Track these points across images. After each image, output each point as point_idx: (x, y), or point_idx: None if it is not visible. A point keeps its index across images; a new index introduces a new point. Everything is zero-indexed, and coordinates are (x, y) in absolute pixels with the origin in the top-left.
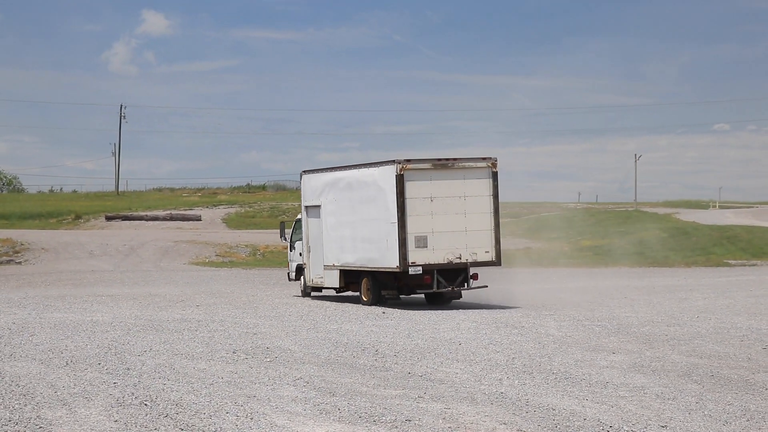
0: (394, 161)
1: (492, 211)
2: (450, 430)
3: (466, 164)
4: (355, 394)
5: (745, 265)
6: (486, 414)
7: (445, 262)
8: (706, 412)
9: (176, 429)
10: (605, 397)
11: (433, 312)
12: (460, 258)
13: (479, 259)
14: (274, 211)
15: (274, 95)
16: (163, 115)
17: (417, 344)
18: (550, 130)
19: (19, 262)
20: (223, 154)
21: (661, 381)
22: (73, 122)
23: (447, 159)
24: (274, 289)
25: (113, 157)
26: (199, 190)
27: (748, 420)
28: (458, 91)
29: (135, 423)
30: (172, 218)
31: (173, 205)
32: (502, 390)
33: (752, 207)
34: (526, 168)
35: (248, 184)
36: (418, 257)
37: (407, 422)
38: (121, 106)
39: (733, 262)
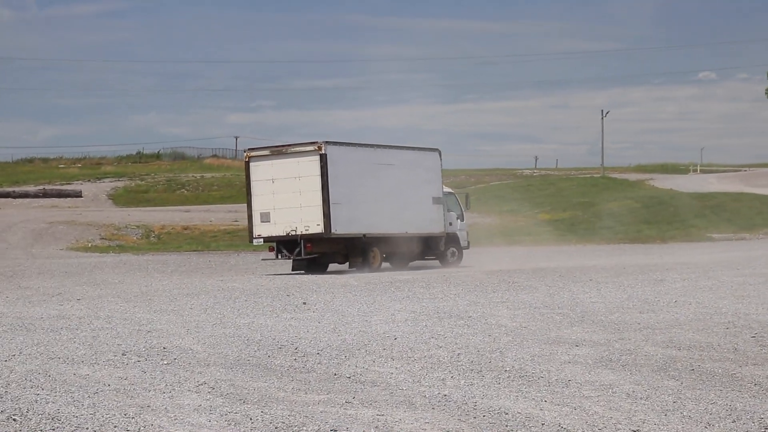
0: (244, 150)
1: (321, 188)
2: None
3: (298, 149)
4: (271, 400)
5: (731, 240)
6: (426, 421)
7: (284, 234)
8: (684, 413)
9: None
10: (567, 398)
11: (363, 302)
12: (296, 231)
13: (311, 231)
14: (172, 184)
15: (171, 45)
16: (35, 69)
17: (344, 340)
18: (503, 83)
19: None
20: (110, 117)
21: (633, 377)
22: None
23: (282, 146)
24: (172, 277)
25: None
26: (79, 160)
27: (733, 421)
28: (393, 38)
29: None
30: (45, 194)
31: (47, 178)
32: (446, 392)
33: (739, 170)
34: (475, 128)
35: (139, 152)
36: (263, 230)
37: None
38: None
39: (717, 236)
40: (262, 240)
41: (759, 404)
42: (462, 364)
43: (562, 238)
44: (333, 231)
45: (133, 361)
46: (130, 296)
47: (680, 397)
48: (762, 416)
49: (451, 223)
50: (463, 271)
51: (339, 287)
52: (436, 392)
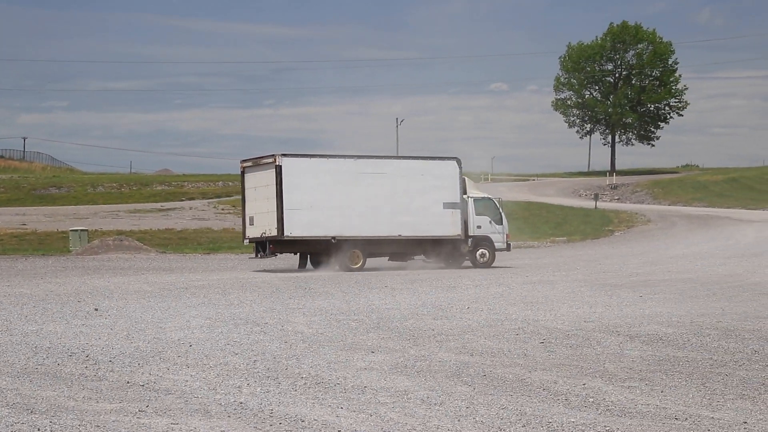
0: (241, 161)
1: (276, 196)
2: None
3: (266, 161)
4: (60, 409)
5: (520, 248)
6: (222, 429)
7: (259, 236)
8: (477, 418)
9: None
10: (363, 404)
11: (157, 308)
12: (265, 233)
13: (271, 234)
14: None
15: None
16: None
17: (137, 347)
18: (301, 88)
19: None
20: None
21: (427, 383)
22: None
23: (259, 158)
24: None
25: None
26: None
27: (524, 426)
28: (190, 41)
29: None
30: None
31: None
32: (242, 399)
33: (528, 180)
34: (273, 134)
35: None
36: (250, 233)
37: None
38: None
39: None
40: (247, 241)
41: (548, 408)
42: (258, 371)
43: None
44: (287, 234)
45: None
46: None
47: (473, 403)
48: (550, 420)
49: (479, 226)
50: (260, 277)
51: (132, 293)
52: (232, 400)
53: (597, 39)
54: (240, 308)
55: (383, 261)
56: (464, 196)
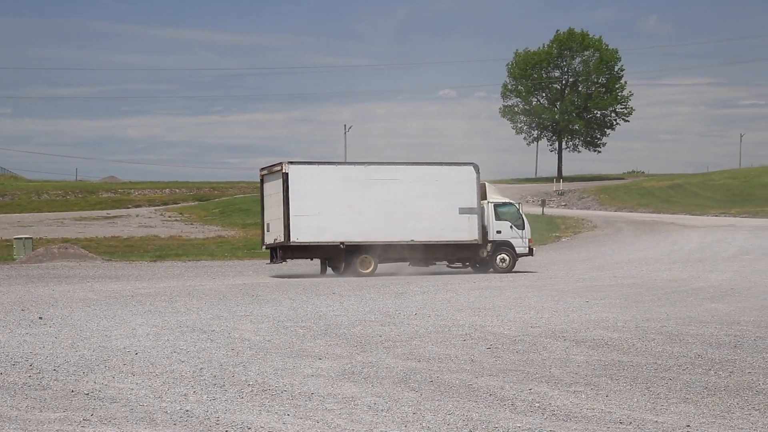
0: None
1: (283, 203)
2: None
3: (275, 168)
4: (3, 419)
5: None
6: None
7: (272, 242)
8: (423, 424)
9: None
10: (310, 411)
11: (103, 317)
12: (277, 239)
13: (280, 240)
14: None
15: None
16: None
17: (83, 355)
18: (249, 96)
19: None
20: None
21: (374, 390)
22: None
23: (272, 165)
24: None
25: None
26: None
27: (470, 431)
28: (138, 47)
29: None
30: None
31: None
32: (188, 407)
33: None
34: (221, 141)
35: None
36: (267, 239)
37: None
38: None
39: None
40: (265, 247)
41: (494, 413)
42: (205, 379)
43: None
44: (293, 240)
45: None
46: None
47: (420, 409)
48: (497, 425)
49: (500, 231)
50: (207, 284)
51: (77, 301)
52: (178, 408)
53: (544, 46)
54: (187, 316)
55: (391, 266)
56: (484, 202)
